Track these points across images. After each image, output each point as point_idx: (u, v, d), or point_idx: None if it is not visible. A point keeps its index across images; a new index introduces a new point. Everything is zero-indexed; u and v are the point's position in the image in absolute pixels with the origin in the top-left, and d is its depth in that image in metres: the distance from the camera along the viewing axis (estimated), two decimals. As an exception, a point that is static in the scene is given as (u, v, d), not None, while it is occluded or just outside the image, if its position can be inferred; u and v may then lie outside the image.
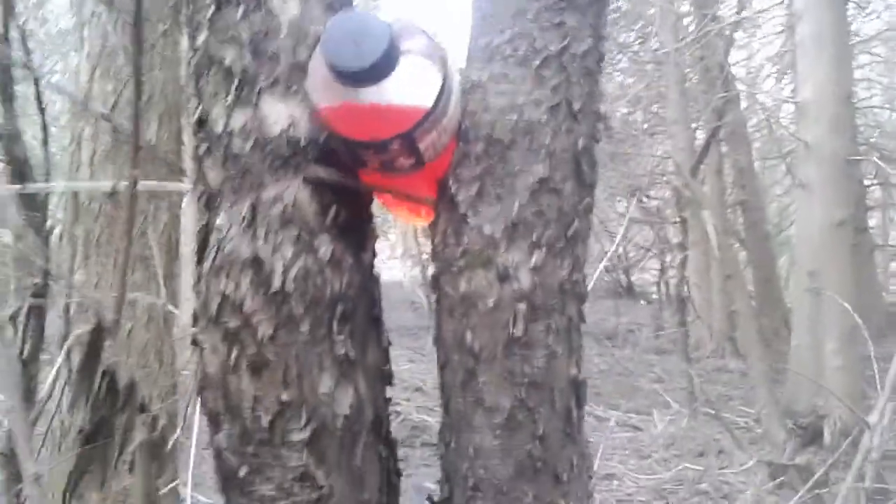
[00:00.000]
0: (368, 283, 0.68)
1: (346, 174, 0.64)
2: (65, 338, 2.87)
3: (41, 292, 2.41)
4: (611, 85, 9.20)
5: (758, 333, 4.25)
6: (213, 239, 0.64)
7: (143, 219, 2.72)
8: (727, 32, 5.84)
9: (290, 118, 0.63)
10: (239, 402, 0.64)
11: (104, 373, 0.77)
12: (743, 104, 7.72)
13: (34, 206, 2.34)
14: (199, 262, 0.65)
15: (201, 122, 0.65)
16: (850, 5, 6.38)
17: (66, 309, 2.78)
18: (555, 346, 0.60)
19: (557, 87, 0.59)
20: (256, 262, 0.62)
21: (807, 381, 4.06)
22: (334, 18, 0.56)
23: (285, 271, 0.62)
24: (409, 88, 0.57)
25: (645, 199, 9.90)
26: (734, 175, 8.26)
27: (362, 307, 0.66)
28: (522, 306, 0.59)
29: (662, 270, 9.97)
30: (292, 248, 0.62)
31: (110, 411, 0.76)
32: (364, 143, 0.59)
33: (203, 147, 0.65)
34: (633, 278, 12.33)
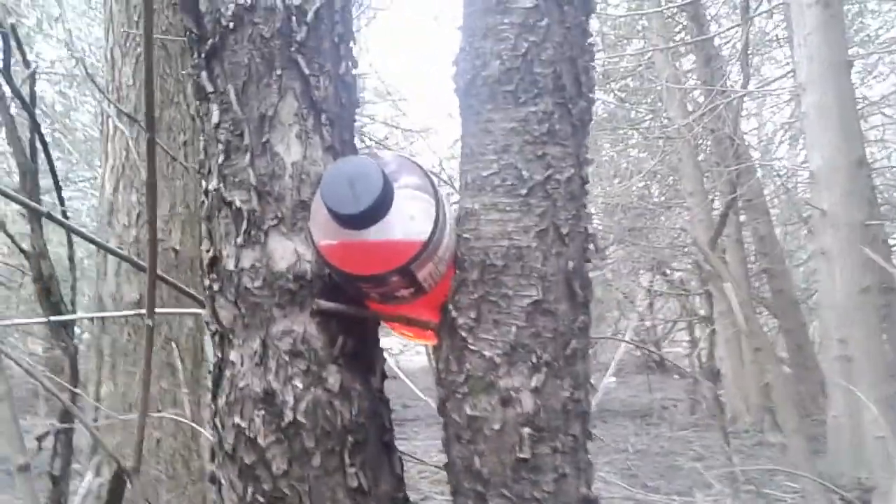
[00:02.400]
0: (378, 408, 0.69)
1: (351, 304, 0.67)
2: (94, 451, 2.89)
3: (69, 411, 2.44)
4: (624, 161, 9.33)
5: (794, 405, 4.15)
6: (227, 374, 0.67)
7: (167, 327, 2.78)
8: (734, 104, 5.93)
9: (295, 254, 0.66)
10: (256, 537, 0.65)
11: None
12: (759, 172, 7.77)
13: (61, 324, 2.40)
14: (214, 398, 0.67)
15: (213, 263, 0.68)
16: (855, 71, 6.47)
17: (94, 421, 2.80)
18: (562, 467, 0.61)
19: (544, 213, 0.62)
20: (268, 396, 0.64)
21: (848, 453, 3.94)
22: (333, 165, 0.60)
23: (296, 404, 0.64)
24: (404, 225, 0.60)
25: (668, 272, 9.87)
26: (756, 243, 8.23)
27: (373, 434, 0.68)
28: (527, 430, 0.60)
29: (693, 343, 9.84)
30: (302, 380, 0.65)
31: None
32: (363, 278, 0.62)
33: (215, 286, 0.68)
34: (663, 352, 12.15)
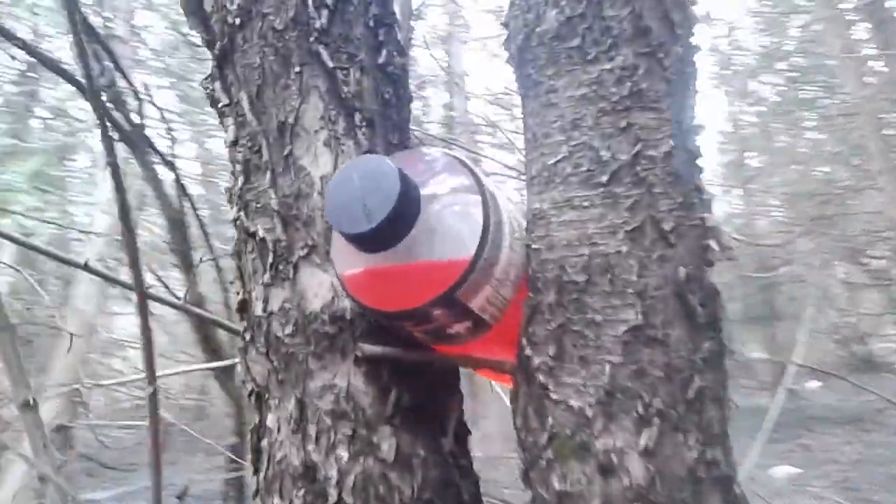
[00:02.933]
0: (453, 476, 0.54)
1: (406, 346, 0.53)
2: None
3: (237, 451, 2.48)
4: (801, 142, 8.58)
5: None
6: (264, 444, 0.54)
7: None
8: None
9: (331, 289, 0.53)
10: None
11: None
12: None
13: (222, 370, 2.45)
14: (256, 471, 0.55)
15: (243, 308, 0.57)
16: None
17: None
18: (697, 558, 0.43)
19: (636, 205, 0.45)
20: (309, 471, 0.51)
21: None
22: (339, 171, 0.46)
23: (341, 479, 0.50)
24: (441, 240, 0.45)
25: (866, 261, 8.92)
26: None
27: (447, 512, 0.53)
28: (639, 507, 0.43)
29: (904, 336, 8.81)
30: (348, 449, 0.51)
31: None
32: (399, 314, 0.47)
33: (247, 336, 0.56)
34: (871, 349, 10.97)
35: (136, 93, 1.94)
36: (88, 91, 0.68)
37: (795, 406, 8.11)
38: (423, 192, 0.45)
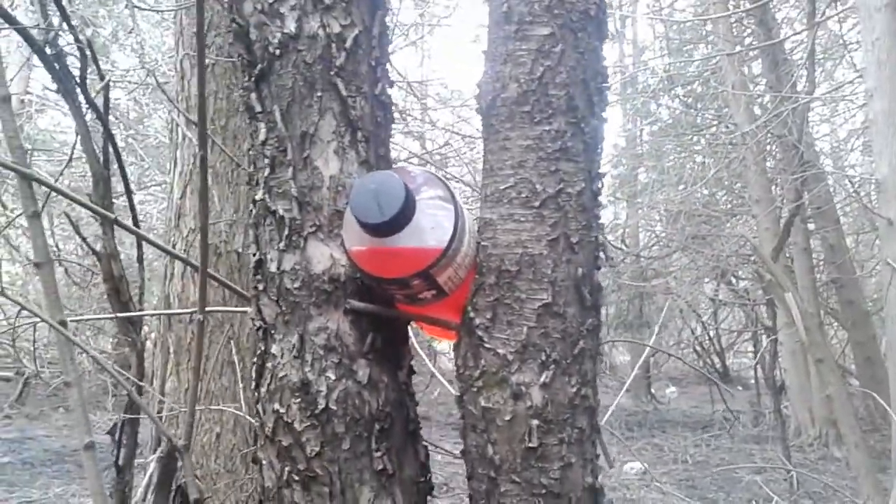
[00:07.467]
0: (404, 400, 0.76)
1: (381, 305, 0.74)
2: (157, 443, 3.04)
3: (134, 401, 2.59)
4: (690, 164, 9.19)
5: (855, 418, 4.05)
6: (268, 366, 0.74)
7: (230, 325, 2.90)
8: (800, 109, 5.80)
9: (331, 259, 0.73)
10: (293, 513, 0.72)
11: (177, 489, 0.88)
12: (830, 179, 7.56)
13: (129, 321, 2.54)
14: (257, 387, 0.75)
15: (258, 265, 0.76)
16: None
17: (159, 415, 2.95)
18: (569, 456, 0.67)
19: (556, 223, 0.67)
20: (304, 386, 0.71)
21: (914, 469, 3.82)
22: (360, 179, 0.67)
23: (328, 393, 0.71)
24: (425, 233, 0.67)
25: (733, 281, 9.69)
26: (825, 252, 8.01)
27: (399, 424, 0.74)
28: (535, 421, 0.66)
29: (757, 354, 9.64)
30: (335, 372, 0.72)
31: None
32: (388, 280, 0.68)
33: (260, 286, 0.76)
34: (728, 363, 11.92)
35: (80, 46, 2.03)
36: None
37: (653, 409, 8.76)
38: (416, 198, 0.66)
